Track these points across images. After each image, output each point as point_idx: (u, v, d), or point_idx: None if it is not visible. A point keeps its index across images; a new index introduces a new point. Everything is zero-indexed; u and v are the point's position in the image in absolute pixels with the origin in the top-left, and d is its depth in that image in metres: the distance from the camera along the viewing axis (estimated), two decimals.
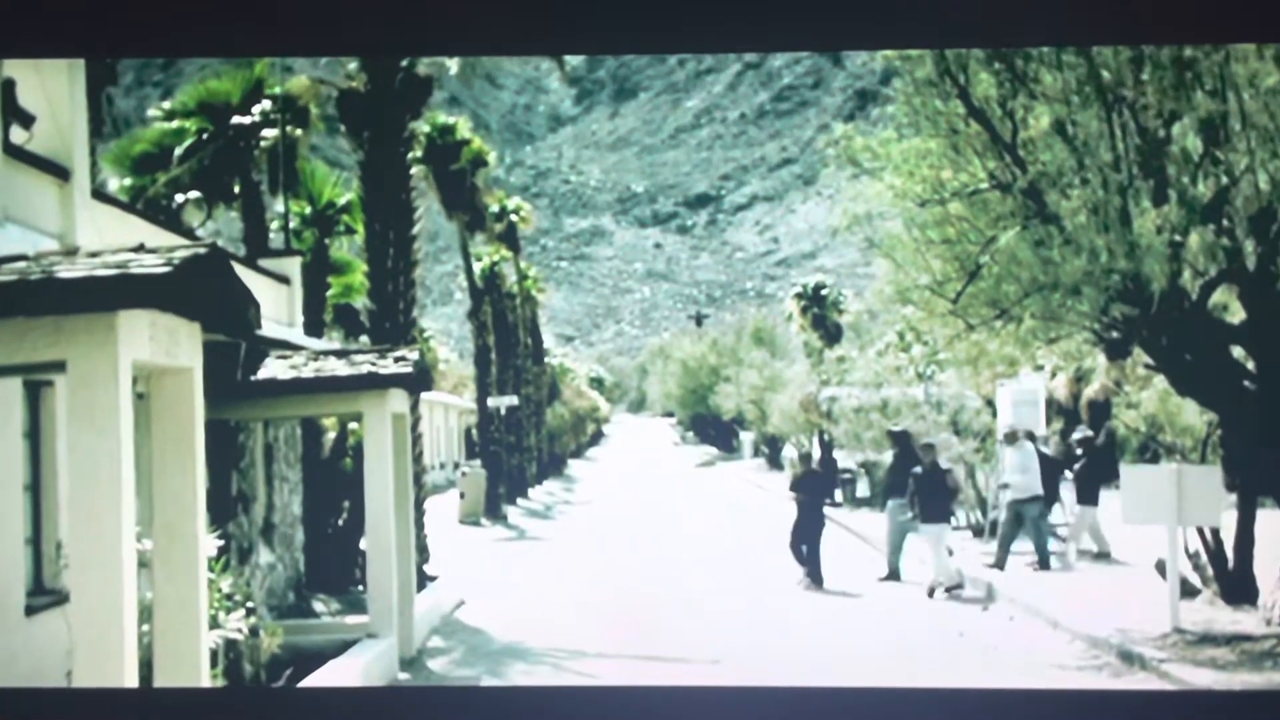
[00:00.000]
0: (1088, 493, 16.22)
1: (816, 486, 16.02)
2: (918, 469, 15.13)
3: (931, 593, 14.28)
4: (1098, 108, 9.89)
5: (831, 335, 44.42)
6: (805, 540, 15.41)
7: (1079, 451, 16.73)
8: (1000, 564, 15.41)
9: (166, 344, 6.27)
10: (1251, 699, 8.13)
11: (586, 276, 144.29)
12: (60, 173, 8.85)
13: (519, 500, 32.01)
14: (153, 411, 6.72)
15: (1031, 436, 16.78)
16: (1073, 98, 9.96)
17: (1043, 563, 15.49)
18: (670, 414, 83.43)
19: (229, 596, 8.21)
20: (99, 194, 10.02)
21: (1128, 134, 9.91)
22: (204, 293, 6.41)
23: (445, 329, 75.55)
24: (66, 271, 5.79)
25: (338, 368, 11.08)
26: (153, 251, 6.09)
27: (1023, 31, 5.43)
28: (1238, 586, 11.82)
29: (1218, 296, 10.94)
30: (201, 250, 6.26)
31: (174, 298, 6.04)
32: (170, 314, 6.26)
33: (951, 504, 15.24)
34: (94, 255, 6.10)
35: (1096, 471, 16.44)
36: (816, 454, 27.34)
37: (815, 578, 15.24)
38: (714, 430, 61.48)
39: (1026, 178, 10.04)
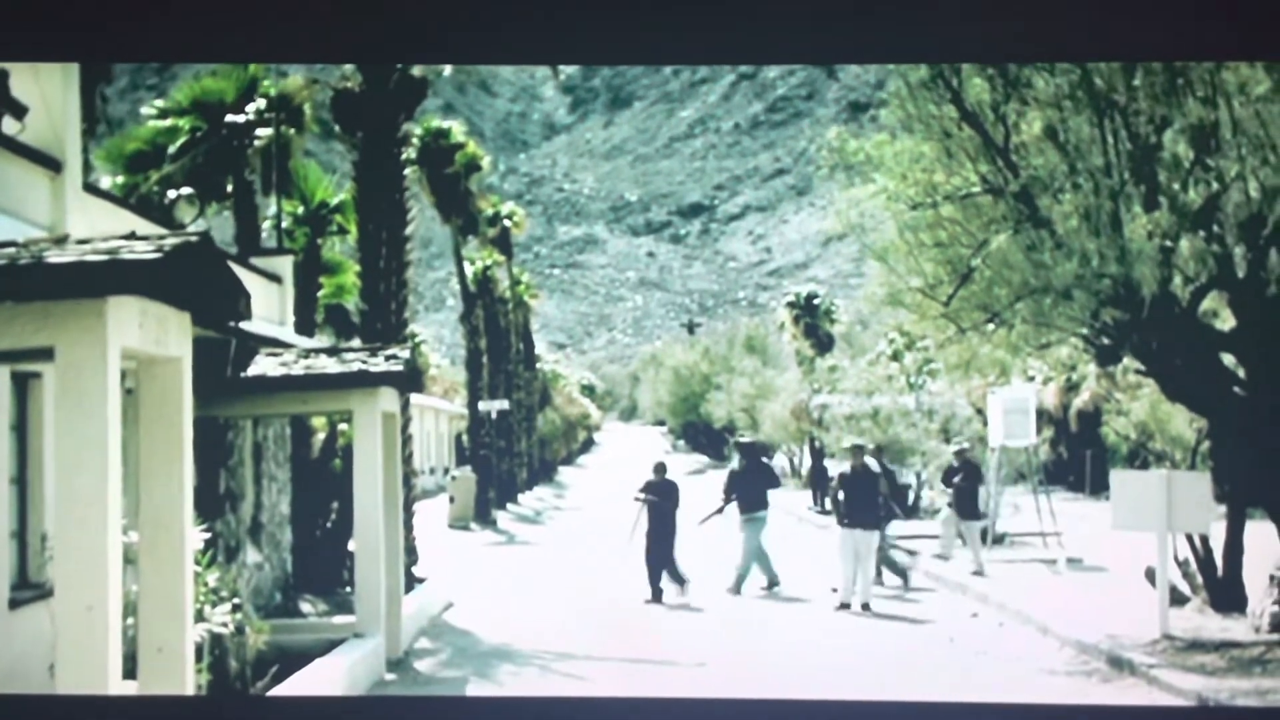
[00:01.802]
0: (967, 507, 16.03)
1: (668, 494, 14.73)
2: (845, 470, 14.09)
3: (864, 606, 13.43)
4: (1089, 113, 9.93)
5: (823, 344, 44.42)
6: (656, 551, 14.43)
7: (955, 464, 16.57)
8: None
9: (156, 332, 6.24)
10: (1243, 714, 8.16)
11: (579, 284, 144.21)
12: (52, 164, 8.83)
13: (509, 505, 31.93)
14: (141, 403, 6.68)
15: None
16: (1065, 103, 9.99)
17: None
18: (661, 423, 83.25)
19: (215, 591, 8.16)
20: (91, 187, 10.00)
21: (1119, 140, 9.94)
22: (194, 281, 6.39)
23: (437, 335, 75.52)
24: (56, 257, 5.76)
25: (328, 365, 11.05)
26: (144, 239, 6.06)
27: (1020, 48, 5.44)
28: (1227, 594, 11.86)
29: (1208, 303, 10.99)
30: (193, 239, 6.24)
31: (164, 285, 6.01)
32: (160, 302, 6.24)
33: (880, 509, 14.13)
34: (84, 242, 6.08)
35: (975, 485, 16.31)
36: (808, 462, 27.25)
37: (657, 593, 14.37)
38: (705, 438, 61.42)
39: (1018, 182, 10.08)
